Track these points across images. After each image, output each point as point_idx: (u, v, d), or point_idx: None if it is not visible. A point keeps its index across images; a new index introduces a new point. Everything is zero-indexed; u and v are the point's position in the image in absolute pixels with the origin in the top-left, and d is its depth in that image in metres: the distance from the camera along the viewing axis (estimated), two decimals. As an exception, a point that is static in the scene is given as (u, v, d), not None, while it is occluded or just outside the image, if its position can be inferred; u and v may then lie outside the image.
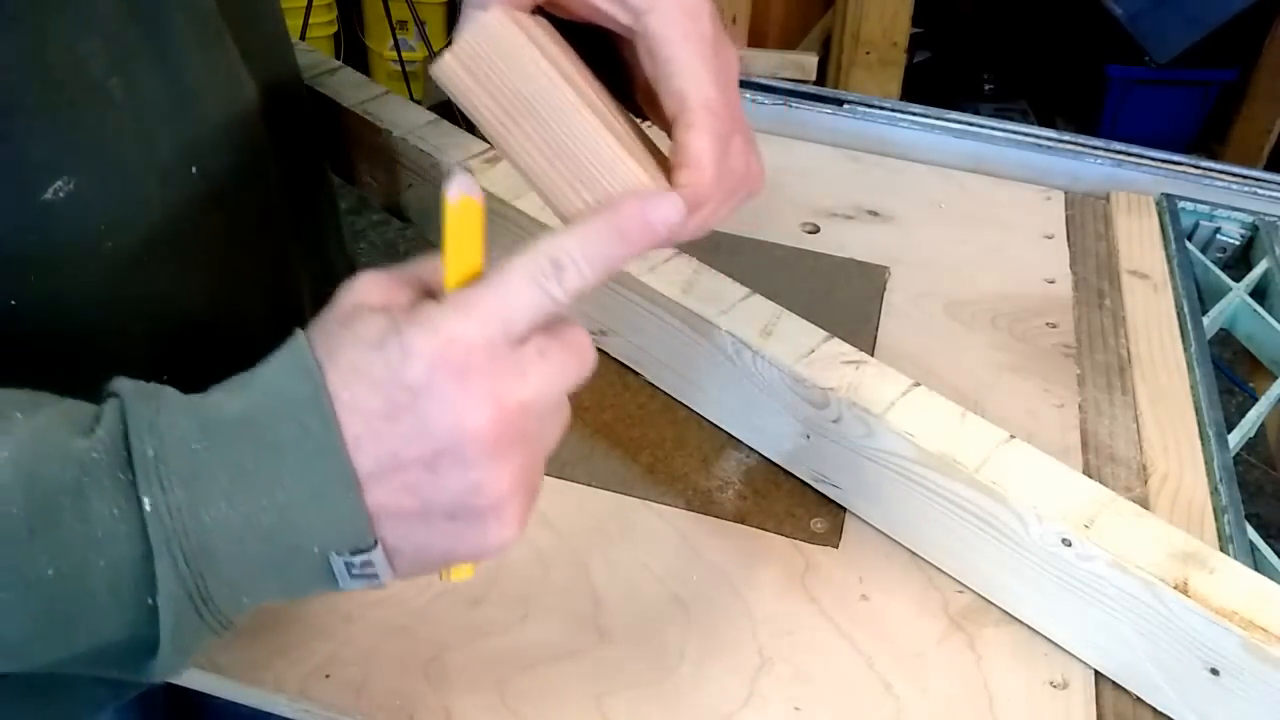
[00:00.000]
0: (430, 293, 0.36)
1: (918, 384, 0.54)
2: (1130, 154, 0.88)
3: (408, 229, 0.75)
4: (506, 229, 0.65)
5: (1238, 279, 0.79)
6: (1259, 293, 0.79)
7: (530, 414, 0.35)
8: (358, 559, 0.35)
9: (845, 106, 0.91)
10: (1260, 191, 0.86)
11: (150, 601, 0.33)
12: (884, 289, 0.73)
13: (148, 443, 0.33)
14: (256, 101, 0.53)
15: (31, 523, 0.32)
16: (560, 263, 0.35)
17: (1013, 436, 0.51)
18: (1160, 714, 0.48)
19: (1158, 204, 0.85)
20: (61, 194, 0.43)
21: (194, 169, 0.49)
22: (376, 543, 0.35)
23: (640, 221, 0.37)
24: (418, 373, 0.33)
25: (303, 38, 2.35)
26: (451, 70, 0.38)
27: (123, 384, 0.35)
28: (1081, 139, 0.89)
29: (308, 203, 0.62)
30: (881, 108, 0.91)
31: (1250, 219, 0.84)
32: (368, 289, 0.36)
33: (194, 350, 0.49)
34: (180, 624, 0.33)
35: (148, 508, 0.32)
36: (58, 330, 0.44)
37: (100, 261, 0.46)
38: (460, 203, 0.35)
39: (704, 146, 0.41)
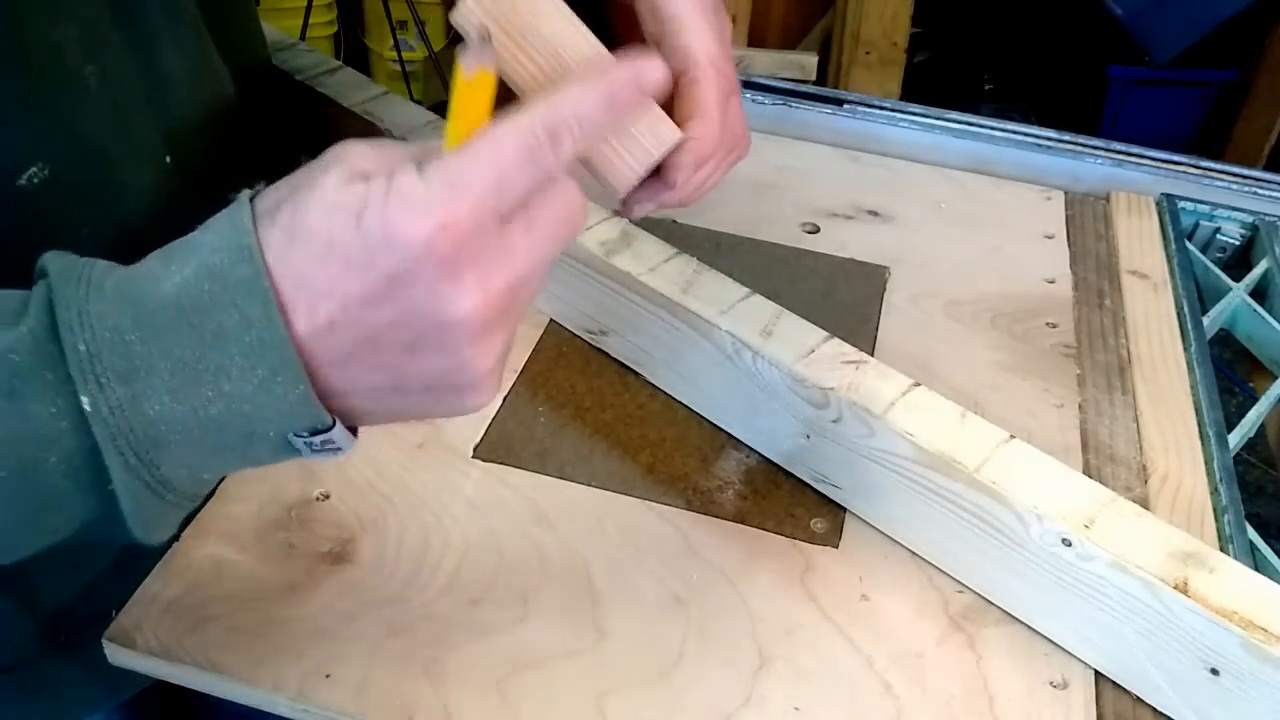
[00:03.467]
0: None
1: (918, 384, 0.54)
2: (1130, 154, 0.88)
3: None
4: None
5: (1238, 279, 0.79)
6: (1259, 293, 0.79)
7: (517, 293, 0.34)
8: (318, 438, 0.34)
9: (845, 106, 0.91)
10: (1260, 191, 0.86)
11: (110, 488, 0.32)
12: (884, 289, 0.73)
13: (79, 336, 0.31)
14: (231, 90, 0.53)
15: None
16: (558, 135, 0.33)
17: (1013, 436, 0.51)
18: (1160, 714, 0.48)
19: (1158, 204, 0.85)
20: (36, 180, 0.43)
21: (169, 158, 0.49)
22: (335, 422, 0.34)
23: (633, 87, 0.36)
24: (402, 262, 0.31)
25: (303, 38, 2.35)
26: (470, 12, 0.38)
27: (51, 261, 0.33)
28: (1081, 139, 0.89)
29: None
30: (881, 108, 0.91)
31: (1250, 219, 0.84)
32: (353, 153, 0.33)
33: None
34: (140, 507, 0.33)
35: (87, 407, 0.31)
36: None
37: (76, 248, 0.45)
38: (476, 77, 0.34)
39: (711, 99, 0.41)
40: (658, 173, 0.42)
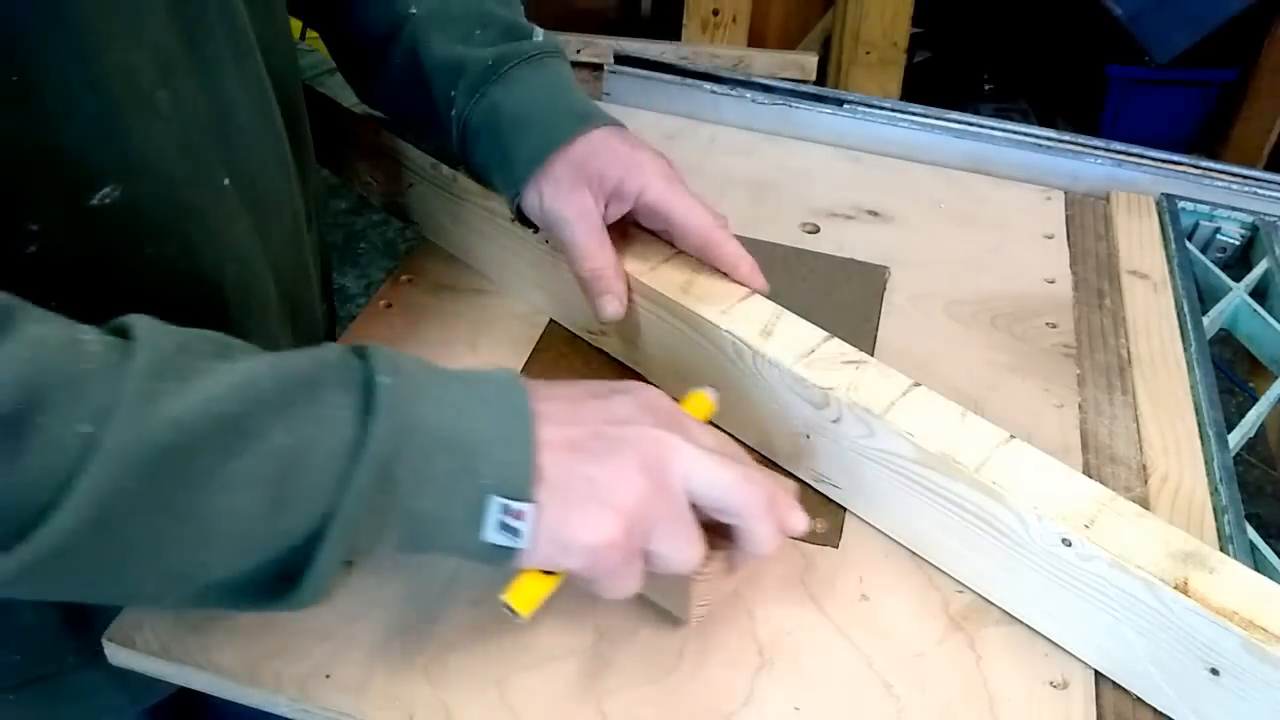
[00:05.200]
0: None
1: (918, 384, 0.54)
2: (1130, 154, 0.88)
3: (408, 229, 0.76)
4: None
5: (1238, 279, 0.79)
6: (1259, 293, 0.79)
7: (642, 524, 0.43)
8: (512, 508, 0.41)
9: (845, 106, 0.91)
10: (1260, 191, 0.86)
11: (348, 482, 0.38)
12: (884, 289, 0.73)
13: (383, 369, 0.40)
14: (278, 115, 0.54)
15: (280, 399, 0.38)
16: (769, 508, 0.46)
17: (1013, 436, 0.51)
18: (1160, 714, 0.48)
19: (1158, 204, 0.85)
20: (107, 200, 0.44)
21: (228, 180, 0.50)
22: (534, 502, 0.41)
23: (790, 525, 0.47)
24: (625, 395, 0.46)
25: (302, 38, 2.34)
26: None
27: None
28: (1081, 139, 0.89)
29: (313, 202, 0.63)
30: (881, 108, 0.91)
31: (1250, 219, 0.84)
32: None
33: None
34: (355, 521, 0.39)
35: (386, 382, 0.39)
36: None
37: (140, 266, 0.47)
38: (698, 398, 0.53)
39: (736, 247, 0.59)
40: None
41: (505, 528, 0.41)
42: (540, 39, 0.62)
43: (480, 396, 0.42)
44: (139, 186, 0.45)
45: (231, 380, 0.37)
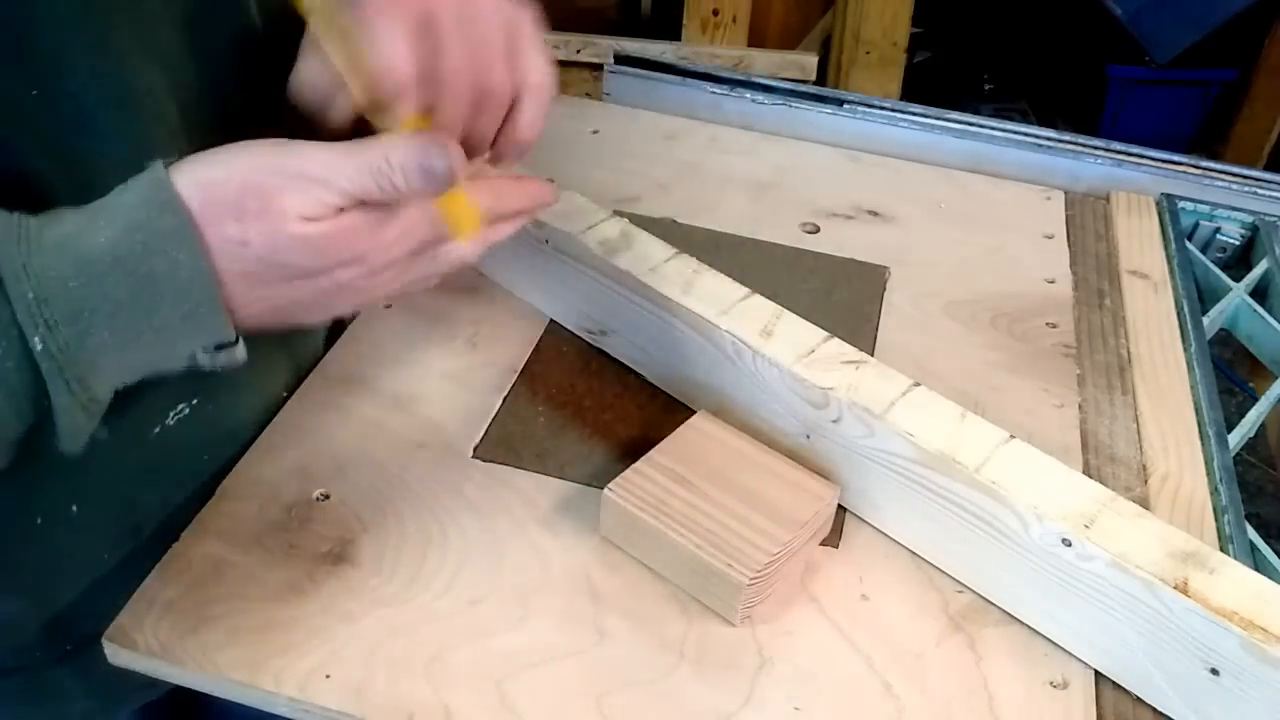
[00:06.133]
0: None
1: (918, 384, 0.54)
2: (1130, 154, 0.88)
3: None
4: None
5: (1238, 279, 0.79)
6: (1259, 293, 0.79)
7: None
8: (222, 352, 0.40)
9: (845, 106, 0.91)
10: (1260, 191, 0.86)
11: (47, 403, 0.37)
12: (884, 289, 0.73)
13: (27, 286, 0.35)
14: (285, 118, 0.54)
15: None
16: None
17: (1013, 436, 0.51)
18: (1160, 714, 0.48)
19: (1158, 204, 0.85)
20: None
21: None
22: (238, 338, 0.40)
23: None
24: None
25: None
26: None
27: None
28: (1081, 139, 0.89)
29: None
30: (881, 108, 0.91)
31: (1250, 219, 0.85)
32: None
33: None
34: (73, 423, 0.38)
35: (37, 347, 0.36)
36: None
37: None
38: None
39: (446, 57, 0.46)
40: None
41: (224, 360, 0.41)
42: None
43: (148, 280, 0.37)
44: None
45: None
